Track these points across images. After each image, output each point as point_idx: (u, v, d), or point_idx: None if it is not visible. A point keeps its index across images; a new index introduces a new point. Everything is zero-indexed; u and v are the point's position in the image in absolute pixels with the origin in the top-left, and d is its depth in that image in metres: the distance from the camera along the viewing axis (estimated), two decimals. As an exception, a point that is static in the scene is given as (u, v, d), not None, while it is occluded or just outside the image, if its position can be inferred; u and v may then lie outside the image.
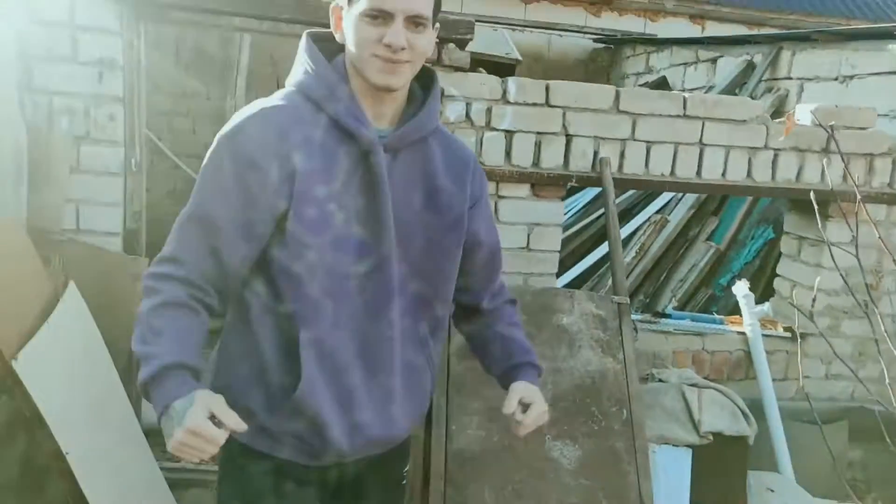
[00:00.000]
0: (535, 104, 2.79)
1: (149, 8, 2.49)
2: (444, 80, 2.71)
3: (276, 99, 1.18)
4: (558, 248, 2.92)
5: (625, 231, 4.77)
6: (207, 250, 1.14)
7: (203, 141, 6.54)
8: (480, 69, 2.83)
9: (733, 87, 5.03)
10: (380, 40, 1.10)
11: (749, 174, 2.98)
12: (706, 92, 5.50)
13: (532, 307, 2.35)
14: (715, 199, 4.62)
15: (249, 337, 1.20)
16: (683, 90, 5.95)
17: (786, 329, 3.16)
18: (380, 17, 1.10)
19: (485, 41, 4.30)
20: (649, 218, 4.73)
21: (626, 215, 4.97)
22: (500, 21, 7.38)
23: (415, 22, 1.11)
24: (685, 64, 6.00)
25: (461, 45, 2.75)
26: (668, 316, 3.16)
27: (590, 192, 4.98)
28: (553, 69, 7.24)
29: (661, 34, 7.53)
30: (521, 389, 1.36)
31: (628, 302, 2.42)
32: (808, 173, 3.02)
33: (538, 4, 7.78)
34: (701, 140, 2.92)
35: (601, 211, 4.93)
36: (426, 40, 1.15)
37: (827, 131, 1.99)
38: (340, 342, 1.19)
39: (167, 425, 1.02)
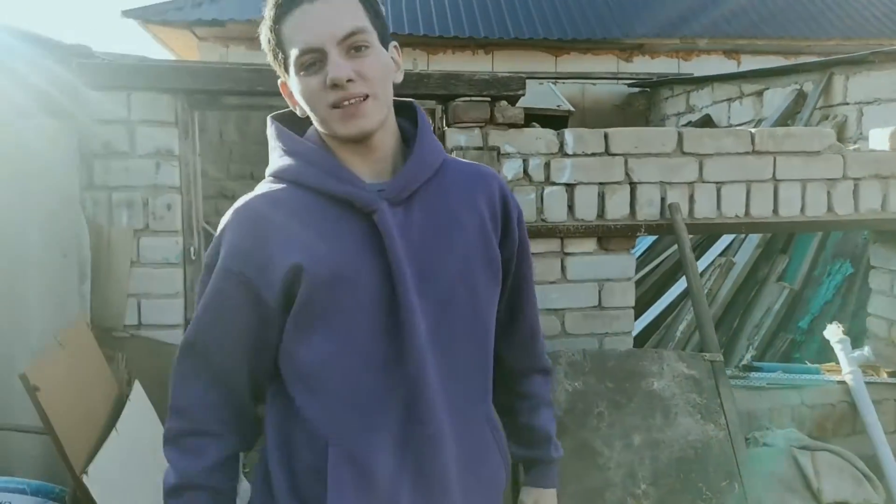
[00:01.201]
0: (594, 154, 2.68)
1: (203, 96, 2.50)
2: (499, 137, 2.64)
3: (254, 193, 1.02)
4: (632, 304, 2.75)
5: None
6: (209, 382, 1.01)
7: (250, 218, 6.65)
8: (534, 124, 2.75)
9: (786, 119, 4.87)
10: (325, 86, 0.92)
11: (830, 208, 2.79)
12: (755, 126, 5.35)
13: (617, 373, 2.17)
14: (782, 236, 4.39)
15: (280, 445, 1.02)
16: (730, 126, 5.80)
17: (890, 374, 2.89)
18: (314, 61, 0.93)
19: (533, 96, 4.25)
20: (713, 261, 4.51)
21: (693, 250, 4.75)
22: (532, 76, 7.42)
23: (352, 45, 0.92)
24: (729, 100, 5.87)
25: (513, 101, 2.69)
26: (758, 368, 2.92)
27: (646, 240, 4.80)
28: (590, 117, 7.19)
29: (696, 73, 7.44)
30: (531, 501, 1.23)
31: (722, 359, 2.22)
32: (894, 201, 2.81)
33: (568, 56, 7.81)
34: (774, 176, 2.75)
35: (660, 259, 4.75)
36: (375, 62, 0.94)
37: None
38: (376, 451, 0.97)
39: None
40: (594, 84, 7.63)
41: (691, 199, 2.73)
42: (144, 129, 2.45)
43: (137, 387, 2.08)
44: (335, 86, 0.92)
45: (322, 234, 0.95)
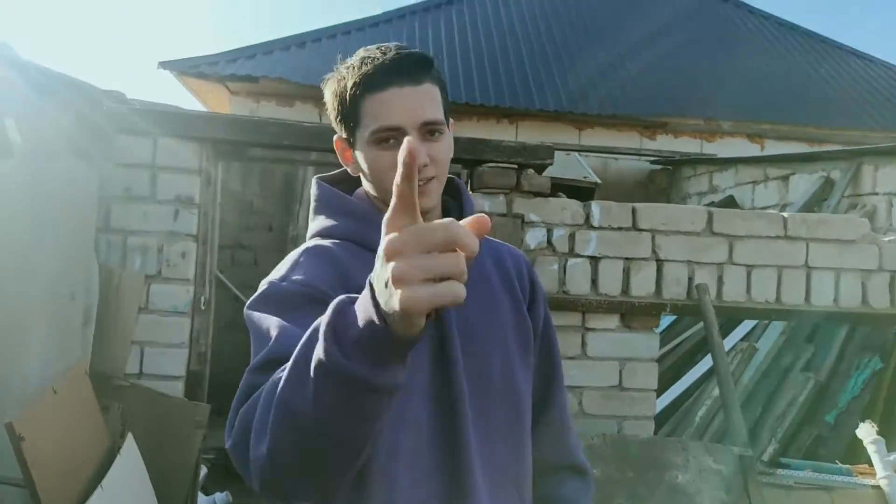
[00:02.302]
0: (620, 228, 2.62)
1: (228, 146, 2.48)
2: (524, 205, 2.59)
3: (313, 242, 0.99)
4: (655, 386, 2.62)
5: (706, 362, 4.41)
6: None
7: (264, 271, 6.65)
8: (560, 193, 2.70)
9: (812, 205, 4.79)
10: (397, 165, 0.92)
11: (864, 300, 2.68)
12: (781, 210, 5.29)
13: (639, 462, 2.03)
14: (808, 325, 4.24)
15: None
16: (754, 209, 5.74)
17: (928, 479, 2.69)
18: (391, 137, 0.93)
19: (559, 166, 4.21)
20: (735, 345, 4.35)
21: (705, 343, 4.63)
22: (556, 147, 7.46)
23: (429, 130, 0.95)
24: (753, 182, 5.83)
25: (539, 170, 2.65)
26: (785, 465, 2.74)
27: (665, 318, 4.66)
28: (611, 192, 7.16)
29: (719, 154, 7.45)
30: None
31: (752, 454, 2.07)
32: (932, 297, 2.70)
33: (592, 130, 7.89)
34: (807, 263, 2.66)
35: (680, 338, 4.60)
36: (445, 147, 0.98)
37: None
38: None
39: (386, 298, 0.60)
40: (616, 159, 7.65)
41: (720, 281, 2.64)
42: (167, 176, 2.43)
43: (130, 440, 1.97)
44: None
45: None
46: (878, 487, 2.60)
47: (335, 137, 1.03)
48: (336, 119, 1.00)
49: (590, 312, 2.58)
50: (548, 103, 7.70)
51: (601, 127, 7.84)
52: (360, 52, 0.96)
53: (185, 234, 2.46)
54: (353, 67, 0.95)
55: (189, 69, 7.07)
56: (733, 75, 8.70)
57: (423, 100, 0.94)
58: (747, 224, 2.65)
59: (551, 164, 2.63)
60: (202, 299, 2.53)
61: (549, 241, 2.59)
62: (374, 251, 0.88)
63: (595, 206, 2.61)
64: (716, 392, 4.16)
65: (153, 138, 2.43)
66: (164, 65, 7.03)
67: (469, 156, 2.60)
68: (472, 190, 2.62)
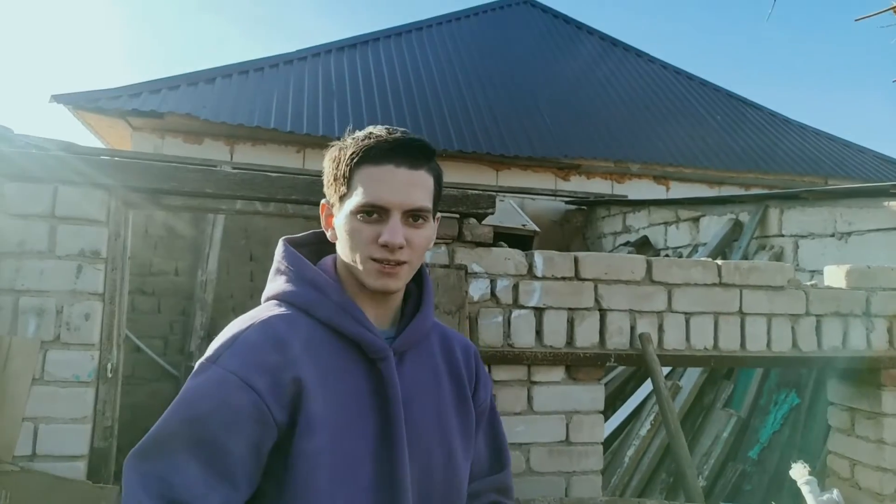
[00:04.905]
0: (564, 278, 2.56)
1: (141, 194, 2.23)
2: (467, 256, 2.49)
3: (264, 310, 0.99)
4: (601, 438, 2.55)
5: (633, 401, 4.45)
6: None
7: (168, 320, 6.16)
8: (501, 243, 2.62)
9: (723, 246, 5.01)
10: (375, 240, 0.97)
11: (794, 343, 2.75)
12: (693, 250, 5.50)
13: (600, 526, 1.92)
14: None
15: None
16: (667, 249, 5.95)
17: (857, 517, 2.77)
18: (375, 212, 0.97)
19: (496, 212, 4.16)
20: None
21: (629, 381, 4.69)
22: (475, 188, 7.50)
23: (414, 216, 0.98)
24: (665, 223, 6.05)
25: (480, 219, 2.57)
26: (728, 510, 2.73)
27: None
28: (530, 231, 7.24)
29: (629, 195, 7.75)
30: None
31: (709, 510, 2.01)
32: (853, 339, 2.81)
33: (509, 171, 8.01)
34: (741, 309, 2.71)
35: (605, 379, 4.62)
36: (426, 235, 1.01)
37: None
38: None
39: None
40: (533, 199, 7.78)
41: (660, 329, 2.63)
42: (69, 228, 2.14)
43: (22, 546, 1.66)
44: (385, 245, 0.95)
45: (329, 370, 0.96)
46: (814, 529, 2.63)
47: (322, 202, 1.06)
48: (329, 182, 1.03)
49: (535, 365, 2.49)
50: (466, 144, 7.75)
51: (517, 168, 7.99)
52: (369, 128, 1.01)
53: (90, 293, 2.17)
54: (357, 139, 0.99)
55: (86, 103, 6.58)
56: (641, 122, 9.14)
57: (416, 186, 0.98)
58: (684, 272, 2.67)
59: (493, 213, 2.55)
60: (109, 366, 2.23)
61: (493, 293, 2.50)
62: (327, 327, 0.98)
63: (538, 256, 2.55)
64: (642, 432, 4.19)
65: (53, 185, 2.14)
66: (58, 98, 6.50)
67: (407, 204, 2.47)
68: (411, 239, 2.49)
